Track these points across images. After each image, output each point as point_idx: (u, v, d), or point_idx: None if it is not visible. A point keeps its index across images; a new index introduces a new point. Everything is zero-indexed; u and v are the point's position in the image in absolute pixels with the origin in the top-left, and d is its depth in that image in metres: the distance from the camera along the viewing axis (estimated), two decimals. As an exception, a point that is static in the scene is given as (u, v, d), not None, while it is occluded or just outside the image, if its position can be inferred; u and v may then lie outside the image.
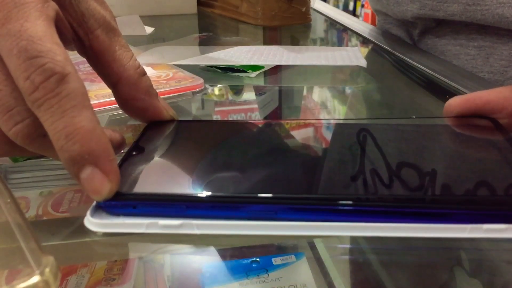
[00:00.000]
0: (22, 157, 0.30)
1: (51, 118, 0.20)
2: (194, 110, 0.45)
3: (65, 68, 0.20)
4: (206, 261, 0.32)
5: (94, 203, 0.22)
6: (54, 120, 0.20)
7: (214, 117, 0.46)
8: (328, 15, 0.85)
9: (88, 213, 0.22)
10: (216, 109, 0.47)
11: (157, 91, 0.28)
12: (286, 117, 0.46)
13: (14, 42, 0.20)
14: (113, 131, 0.26)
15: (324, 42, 0.76)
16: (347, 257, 0.34)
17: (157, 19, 0.80)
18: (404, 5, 0.56)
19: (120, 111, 0.28)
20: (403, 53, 0.55)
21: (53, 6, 0.22)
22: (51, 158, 0.23)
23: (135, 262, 0.32)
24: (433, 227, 0.20)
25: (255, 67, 0.49)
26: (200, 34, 0.71)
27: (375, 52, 0.60)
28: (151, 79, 0.28)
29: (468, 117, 0.28)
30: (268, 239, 0.29)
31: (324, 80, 0.52)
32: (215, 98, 0.48)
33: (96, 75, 0.27)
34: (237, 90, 0.50)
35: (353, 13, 3.24)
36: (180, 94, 0.42)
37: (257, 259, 0.33)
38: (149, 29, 0.68)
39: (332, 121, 0.31)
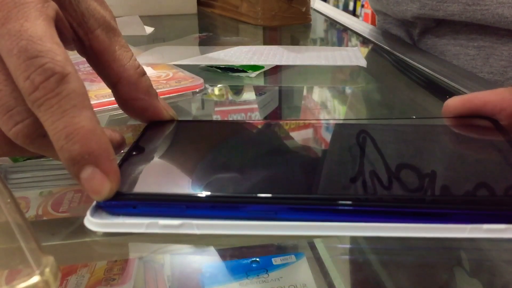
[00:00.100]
0: (22, 157, 0.30)
1: (51, 118, 0.20)
2: (194, 110, 0.45)
3: (65, 68, 0.20)
4: (206, 261, 0.32)
5: (94, 203, 0.22)
6: (54, 120, 0.20)
7: (214, 117, 0.46)
8: (328, 15, 0.85)
9: (88, 213, 0.22)
10: (216, 109, 0.47)
11: (157, 91, 0.28)
12: (286, 117, 0.46)
13: (14, 42, 0.20)
14: (113, 131, 0.26)
15: (324, 42, 0.76)
16: (347, 257, 0.34)
17: (157, 19, 0.80)
18: (404, 5, 0.56)
19: (120, 111, 0.28)
20: (403, 53, 0.55)
21: (53, 6, 0.22)
22: (51, 158, 0.23)
23: (135, 262, 0.32)
24: (433, 227, 0.20)
25: (255, 67, 0.49)
26: (200, 34, 0.71)
27: (375, 52, 0.60)
28: (151, 79, 0.28)
29: (469, 117, 0.28)
30: (268, 239, 0.29)
31: (324, 80, 0.52)
32: (215, 98, 0.48)
33: (96, 75, 0.27)
34: (237, 90, 0.50)
35: (353, 13, 3.24)
36: (180, 94, 0.42)
37: (257, 259, 0.33)
38: (149, 29, 0.68)
39: (332, 121, 0.31)
